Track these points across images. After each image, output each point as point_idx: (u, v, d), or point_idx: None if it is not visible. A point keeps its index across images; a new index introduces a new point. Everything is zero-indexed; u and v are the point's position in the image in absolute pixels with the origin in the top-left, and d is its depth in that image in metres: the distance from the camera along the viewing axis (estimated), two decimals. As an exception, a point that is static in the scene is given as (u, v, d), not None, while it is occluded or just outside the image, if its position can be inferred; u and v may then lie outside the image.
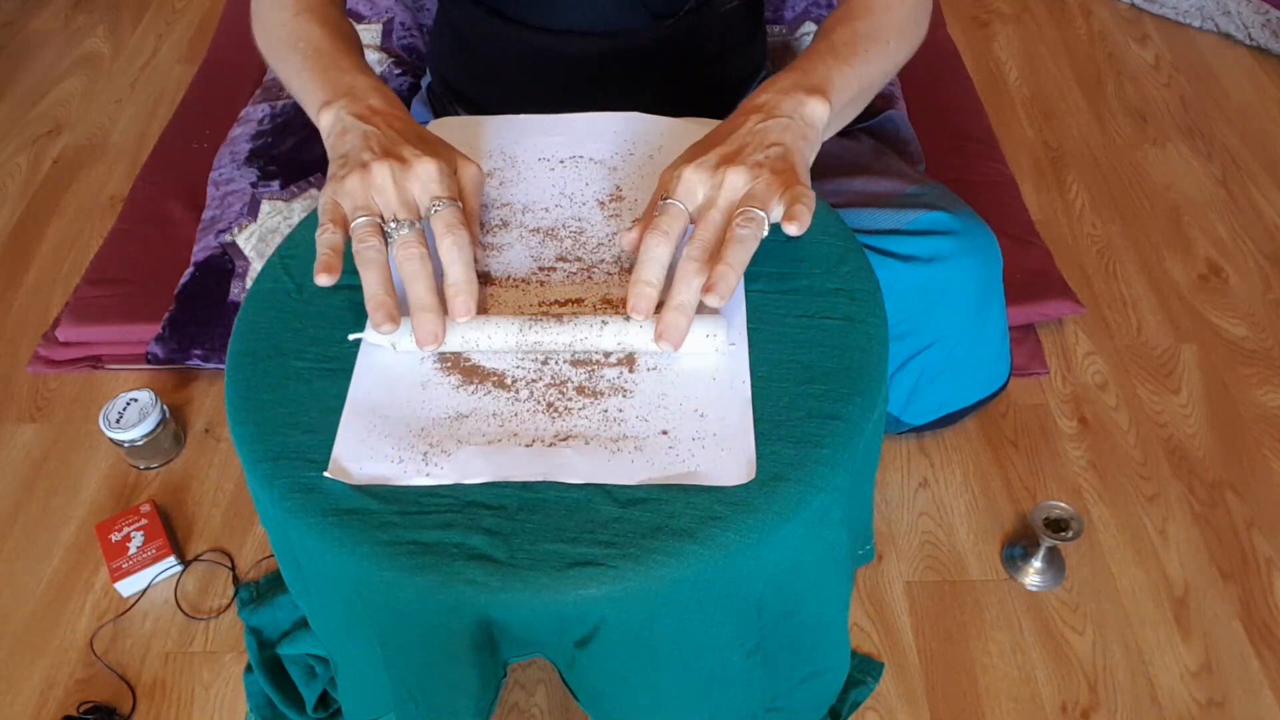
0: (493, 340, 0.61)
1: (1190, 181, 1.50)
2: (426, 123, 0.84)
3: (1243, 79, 1.69)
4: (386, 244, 0.61)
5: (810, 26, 1.49)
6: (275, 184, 1.34)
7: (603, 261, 0.68)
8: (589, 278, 0.67)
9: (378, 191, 0.61)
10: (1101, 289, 1.34)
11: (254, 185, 1.34)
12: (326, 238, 0.60)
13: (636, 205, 0.72)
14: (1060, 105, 1.65)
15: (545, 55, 0.89)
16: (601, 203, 0.72)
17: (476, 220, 0.66)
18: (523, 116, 0.79)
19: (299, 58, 0.72)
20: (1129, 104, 1.65)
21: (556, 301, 0.65)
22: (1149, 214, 1.45)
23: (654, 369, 0.61)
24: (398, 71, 1.45)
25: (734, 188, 0.61)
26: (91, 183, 1.55)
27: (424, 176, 0.61)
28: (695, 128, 0.76)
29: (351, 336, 0.63)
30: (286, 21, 0.74)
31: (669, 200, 0.61)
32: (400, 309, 0.61)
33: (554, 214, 0.72)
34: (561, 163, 0.76)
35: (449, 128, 0.79)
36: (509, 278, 0.67)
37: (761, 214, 0.59)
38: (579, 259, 0.68)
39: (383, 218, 0.61)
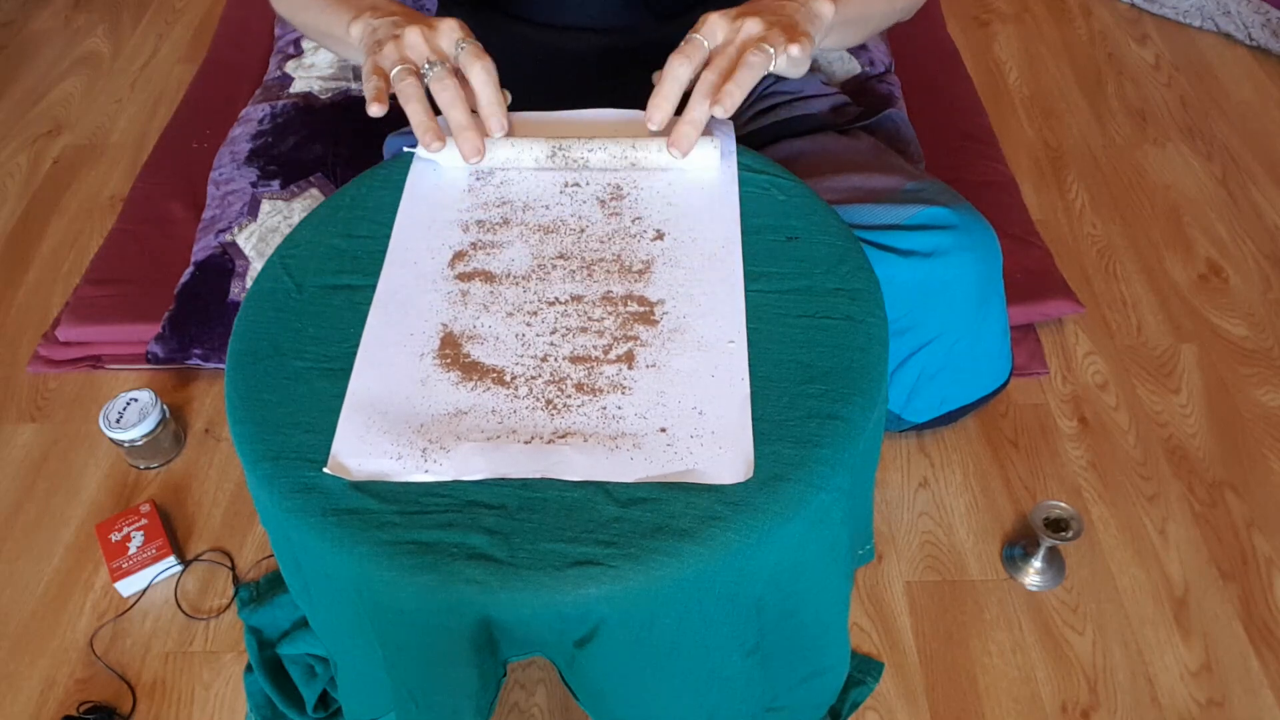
0: (523, 158, 0.74)
1: (1190, 181, 1.50)
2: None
3: (1243, 79, 1.69)
4: (422, 84, 0.70)
5: (810, 26, 1.49)
6: (275, 183, 1.34)
7: (603, 259, 0.68)
8: (589, 275, 0.67)
9: (411, 48, 0.71)
10: (1101, 289, 1.34)
11: (254, 185, 1.34)
12: (372, 83, 0.70)
13: (637, 203, 0.72)
14: (1060, 105, 1.65)
15: (546, 52, 0.89)
16: (602, 201, 0.72)
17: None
18: (524, 114, 0.79)
19: (320, 2, 0.81)
20: (1129, 104, 1.65)
21: (557, 299, 0.65)
22: (1149, 214, 1.45)
23: (653, 366, 0.61)
24: (398, 71, 1.45)
25: (749, 31, 0.70)
26: (91, 183, 1.55)
27: (448, 31, 0.72)
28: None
29: (406, 149, 0.75)
30: None
31: (693, 36, 0.71)
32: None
33: (554, 211, 0.72)
34: (562, 162, 0.76)
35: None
36: (509, 274, 0.67)
37: (770, 49, 0.69)
38: (579, 256, 0.68)
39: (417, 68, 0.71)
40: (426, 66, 0.70)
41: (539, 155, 0.74)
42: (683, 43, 0.72)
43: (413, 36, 0.71)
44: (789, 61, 0.70)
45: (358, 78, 1.53)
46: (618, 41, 0.89)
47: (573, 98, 0.80)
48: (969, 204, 0.93)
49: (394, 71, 0.70)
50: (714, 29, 0.72)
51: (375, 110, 0.69)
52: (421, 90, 0.70)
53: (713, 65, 0.70)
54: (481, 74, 0.71)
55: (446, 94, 0.70)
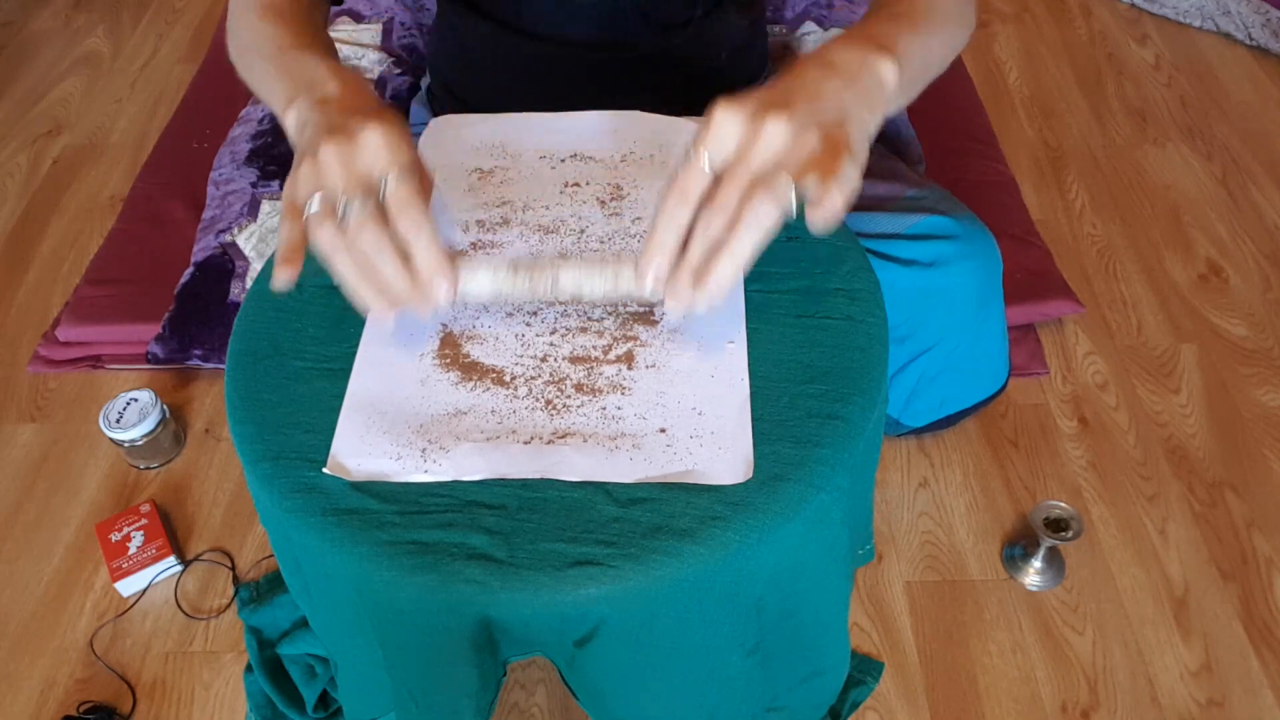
0: (480, 281, 0.58)
1: (1190, 181, 1.50)
2: (425, 124, 0.84)
3: (1243, 79, 1.69)
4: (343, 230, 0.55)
5: (811, 26, 1.49)
6: (275, 184, 1.34)
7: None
8: (589, 277, 0.67)
9: (327, 171, 0.54)
10: (1101, 289, 1.34)
11: (254, 185, 1.34)
12: (283, 232, 0.55)
13: (637, 203, 0.72)
14: (1060, 105, 1.65)
15: (546, 65, 0.89)
16: (602, 201, 0.72)
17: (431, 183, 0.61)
18: (524, 114, 0.79)
19: (262, 62, 0.68)
20: (1129, 104, 1.65)
21: (557, 299, 0.65)
22: (1149, 214, 1.45)
23: (653, 367, 0.61)
24: (398, 71, 1.45)
25: (770, 143, 0.50)
26: (91, 183, 1.55)
27: (371, 145, 0.54)
28: (697, 126, 0.76)
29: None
30: (252, 25, 0.71)
31: (698, 151, 0.52)
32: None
33: (554, 211, 0.72)
34: (562, 160, 0.76)
35: (450, 125, 0.79)
36: (509, 277, 0.67)
37: (790, 186, 0.50)
38: (579, 256, 0.68)
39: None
40: (343, 203, 0.54)
41: (499, 277, 0.58)
42: (682, 166, 0.53)
43: (326, 156, 0.54)
44: (823, 219, 0.50)
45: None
46: (619, 55, 0.88)
47: (572, 110, 0.80)
48: (970, 212, 0.93)
49: (307, 216, 0.54)
50: (724, 135, 0.51)
51: (280, 277, 0.55)
52: (342, 244, 0.54)
53: (716, 205, 0.51)
54: (410, 230, 0.53)
55: (370, 244, 0.53)
